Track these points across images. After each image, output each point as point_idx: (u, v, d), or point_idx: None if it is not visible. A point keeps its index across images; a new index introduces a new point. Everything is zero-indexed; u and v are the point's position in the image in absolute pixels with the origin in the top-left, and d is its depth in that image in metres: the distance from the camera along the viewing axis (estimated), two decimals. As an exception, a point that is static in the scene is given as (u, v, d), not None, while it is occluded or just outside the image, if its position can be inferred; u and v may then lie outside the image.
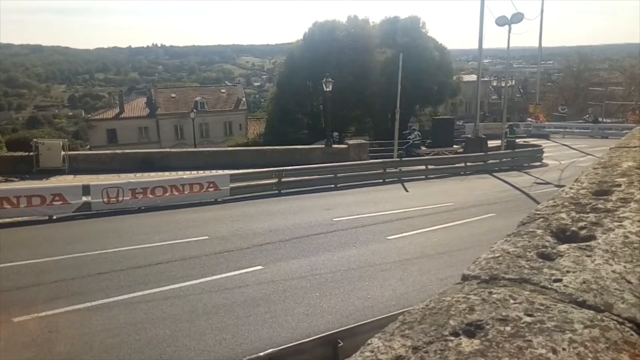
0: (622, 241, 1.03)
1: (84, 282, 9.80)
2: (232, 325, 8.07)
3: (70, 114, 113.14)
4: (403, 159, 25.18)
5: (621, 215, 1.15)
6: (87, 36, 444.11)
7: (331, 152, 26.40)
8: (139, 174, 21.40)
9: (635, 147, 1.76)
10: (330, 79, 26.65)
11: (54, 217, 15.32)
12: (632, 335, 0.77)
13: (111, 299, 8.99)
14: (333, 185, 20.29)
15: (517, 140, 31.85)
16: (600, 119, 44.74)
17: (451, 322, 0.82)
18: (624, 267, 0.94)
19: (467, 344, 0.76)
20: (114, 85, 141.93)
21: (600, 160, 1.65)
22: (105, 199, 16.03)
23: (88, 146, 52.25)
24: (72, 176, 22.02)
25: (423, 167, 23.76)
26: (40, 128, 59.75)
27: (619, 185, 1.35)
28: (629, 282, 0.89)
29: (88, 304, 8.76)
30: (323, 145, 27.50)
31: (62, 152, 23.63)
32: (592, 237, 1.07)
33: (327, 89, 27.00)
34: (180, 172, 20.43)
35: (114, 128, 56.20)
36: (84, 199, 15.89)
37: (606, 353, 0.72)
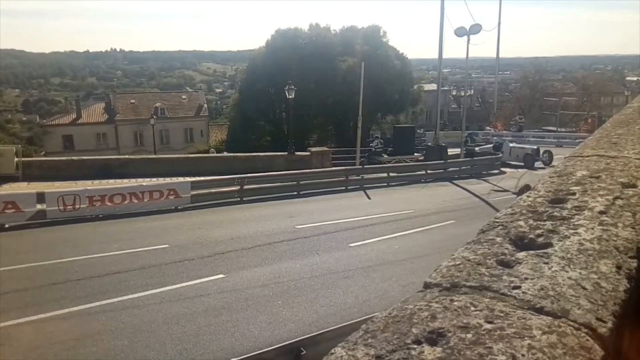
0: (577, 248, 1.06)
1: (38, 293, 9.44)
2: (193, 335, 7.92)
3: (24, 119, 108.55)
4: (365, 166, 25.39)
5: (576, 223, 1.19)
6: (43, 39, 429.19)
7: (294, 159, 26.35)
8: (96, 181, 20.79)
9: (588, 156, 1.83)
10: (293, 87, 26.67)
11: (6, 226, 14.75)
12: (587, 340, 0.79)
13: (66, 310, 8.69)
14: (296, 193, 20.26)
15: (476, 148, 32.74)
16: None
17: (414, 330, 0.82)
18: (579, 273, 0.97)
19: (430, 352, 0.77)
20: (71, 90, 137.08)
21: (555, 169, 1.71)
22: (61, 207, 15.51)
23: (43, 152, 50.41)
24: (25, 183, 21.20)
25: (385, 174, 24.04)
26: (-9, 133, 57.30)
27: (574, 194, 1.39)
28: (584, 288, 0.92)
29: (42, 315, 8.44)
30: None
31: (16, 159, 22.74)
32: (549, 245, 1.09)
33: (290, 96, 26.99)
34: (140, 179, 19.95)
35: (70, 134, 54.47)
36: (39, 206, 15.38)
37: (563, 358, 0.74)
